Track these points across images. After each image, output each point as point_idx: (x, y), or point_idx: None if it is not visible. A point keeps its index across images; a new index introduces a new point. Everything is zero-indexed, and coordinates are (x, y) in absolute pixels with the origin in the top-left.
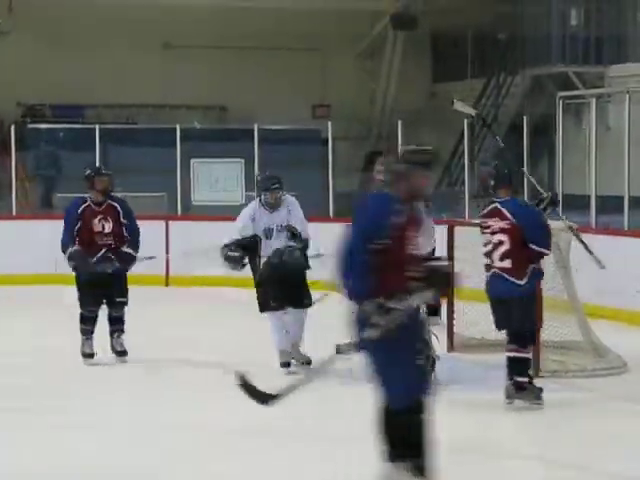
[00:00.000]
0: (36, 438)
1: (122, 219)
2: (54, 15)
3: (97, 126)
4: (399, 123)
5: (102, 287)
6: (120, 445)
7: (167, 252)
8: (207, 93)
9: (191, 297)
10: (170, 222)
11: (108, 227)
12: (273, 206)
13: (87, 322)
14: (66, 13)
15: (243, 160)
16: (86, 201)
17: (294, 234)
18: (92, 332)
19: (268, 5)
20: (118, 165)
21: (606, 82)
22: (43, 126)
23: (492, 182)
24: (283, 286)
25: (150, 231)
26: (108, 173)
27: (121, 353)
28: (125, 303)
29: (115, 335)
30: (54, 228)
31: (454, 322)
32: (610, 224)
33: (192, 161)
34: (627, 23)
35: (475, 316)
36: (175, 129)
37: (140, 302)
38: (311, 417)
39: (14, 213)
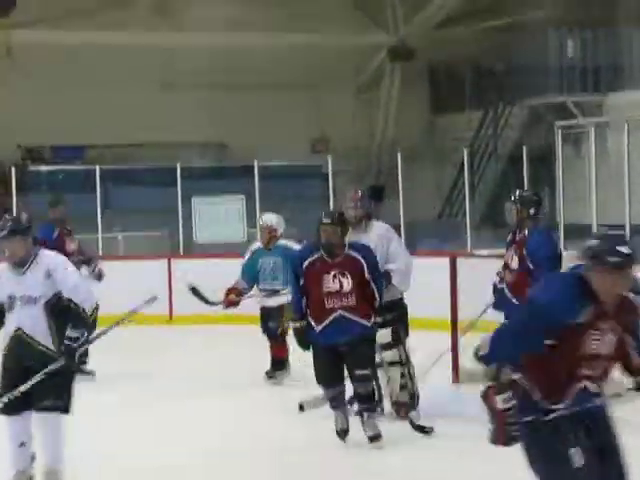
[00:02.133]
0: None
1: None
2: (52, 57)
3: (97, 167)
4: (398, 155)
5: None
6: None
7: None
8: (206, 131)
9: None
10: (172, 260)
11: None
12: None
13: None
14: (65, 55)
15: (244, 197)
16: None
17: None
18: None
19: (266, 42)
20: (119, 205)
21: (604, 110)
22: (44, 168)
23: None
24: None
25: (152, 270)
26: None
27: None
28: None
29: None
30: None
31: (459, 354)
32: None
33: (193, 199)
34: (623, 52)
35: None
36: (175, 168)
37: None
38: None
39: None
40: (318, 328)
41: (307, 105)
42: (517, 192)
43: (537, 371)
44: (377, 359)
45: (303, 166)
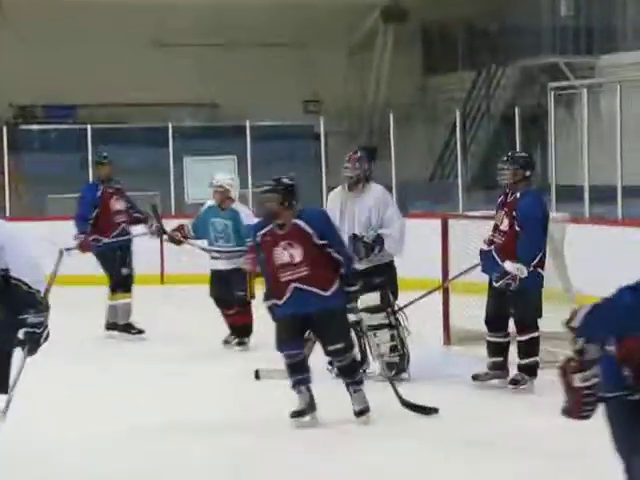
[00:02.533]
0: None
1: None
2: (44, 15)
3: (89, 126)
4: (391, 116)
5: None
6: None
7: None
8: (198, 90)
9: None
10: (164, 221)
11: None
12: None
13: None
14: (56, 13)
15: (236, 157)
16: None
17: None
18: None
19: (258, 1)
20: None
21: (597, 72)
22: (35, 127)
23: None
24: None
25: (144, 230)
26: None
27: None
28: None
29: None
30: (49, 228)
31: (450, 315)
32: (604, 214)
33: (185, 159)
34: (617, 13)
35: (472, 309)
36: (167, 127)
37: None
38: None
39: (8, 214)
40: (280, 303)
41: (299, 65)
42: (510, 153)
43: (632, 351)
44: (361, 322)
45: (295, 126)
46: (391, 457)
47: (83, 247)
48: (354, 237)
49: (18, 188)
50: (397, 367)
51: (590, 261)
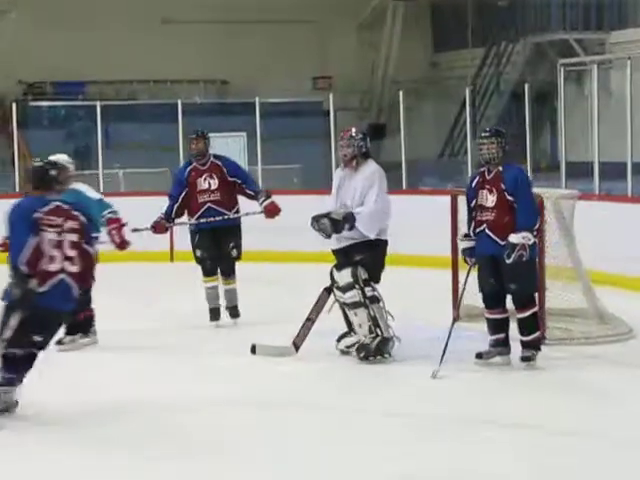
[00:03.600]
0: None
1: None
2: None
3: (98, 103)
4: (400, 93)
5: None
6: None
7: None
8: (208, 67)
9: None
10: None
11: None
12: None
13: None
14: None
15: (245, 134)
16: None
17: None
18: None
19: None
20: (119, 141)
21: (607, 48)
22: (44, 104)
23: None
24: None
25: (153, 207)
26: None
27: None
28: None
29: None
30: None
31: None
32: (613, 190)
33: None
34: None
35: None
36: (176, 104)
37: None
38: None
39: (17, 190)
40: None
41: (309, 42)
42: (490, 128)
43: None
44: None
45: (304, 103)
46: (391, 437)
47: (155, 228)
48: (325, 214)
49: (27, 164)
50: (365, 350)
51: (600, 237)
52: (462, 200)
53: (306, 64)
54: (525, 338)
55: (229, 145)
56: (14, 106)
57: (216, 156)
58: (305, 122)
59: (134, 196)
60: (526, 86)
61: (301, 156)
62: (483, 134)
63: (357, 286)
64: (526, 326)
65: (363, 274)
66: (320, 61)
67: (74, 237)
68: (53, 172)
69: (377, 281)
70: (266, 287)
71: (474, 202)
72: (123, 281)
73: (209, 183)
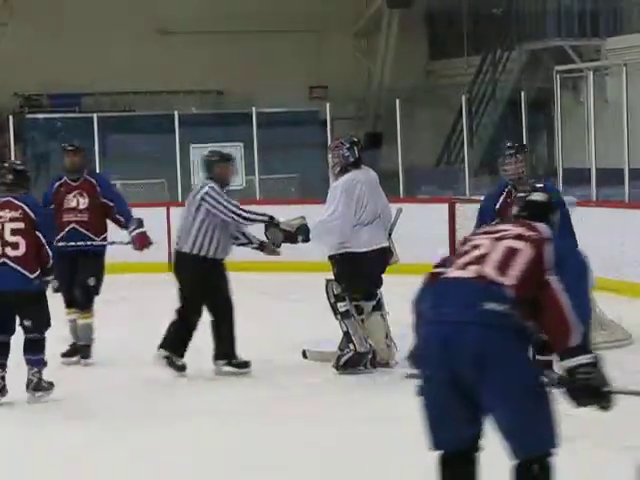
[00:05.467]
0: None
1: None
2: (48, 4)
3: (95, 115)
4: (397, 102)
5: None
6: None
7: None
8: (204, 78)
9: None
10: (172, 208)
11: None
12: None
13: None
14: (60, 2)
15: (242, 144)
16: None
17: None
18: None
19: None
20: (117, 153)
21: (603, 55)
22: (41, 116)
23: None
24: None
25: (151, 218)
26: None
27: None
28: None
29: None
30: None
31: None
32: (611, 197)
33: (191, 146)
34: None
35: None
36: (173, 115)
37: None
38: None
39: None
40: None
41: (305, 51)
42: (514, 144)
43: None
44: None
45: (301, 112)
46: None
47: None
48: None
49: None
50: (338, 362)
51: (598, 244)
52: (459, 208)
53: (302, 73)
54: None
55: None
56: (11, 119)
57: (91, 173)
58: (302, 131)
59: (131, 207)
60: (522, 93)
61: (298, 165)
62: (509, 151)
63: (329, 301)
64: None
65: (335, 289)
66: (316, 70)
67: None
68: (10, 176)
69: (365, 294)
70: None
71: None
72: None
73: (78, 201)
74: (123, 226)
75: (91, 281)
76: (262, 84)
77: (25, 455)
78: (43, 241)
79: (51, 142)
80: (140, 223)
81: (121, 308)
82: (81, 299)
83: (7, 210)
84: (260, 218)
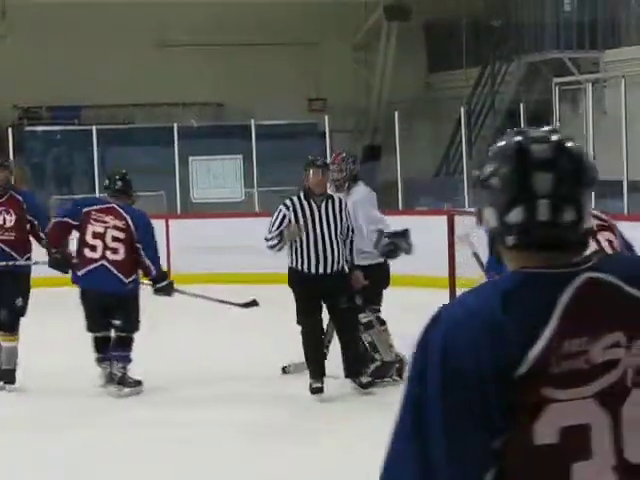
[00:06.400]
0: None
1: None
2: (47, 17)
3: (94, 127)
4: (396, 114)
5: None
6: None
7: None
8: (203, 90)
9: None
10: (170, 220)
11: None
12: None
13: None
14: (59, 15)
15: (241, 156)
16: None
17: None
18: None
19: (261, 0)
20: (116, 165)
21: (601, 67)
22: (40, 128)
23: None
24: None
25: None
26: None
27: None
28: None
29: None
30: None
31: None
32: (609, 209)
33: (190, 159)
34: (620, 7)
35: None
36: (172, 127)
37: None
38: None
39: None
40: None
41: (303, 64)
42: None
43: None
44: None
45: (300, 125)
46: None
47: None
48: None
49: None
50: (356, 375)
51: None
52: (458, 220)
53: (301, 86)
54: None
55: (225, 168)
56: (10, 131)
57: (17, 190)
58: (301, 144)
59: None
60: (521, 105)
61: (297, 178)
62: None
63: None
64: None
65: (358, 300)
66: (315, 83)
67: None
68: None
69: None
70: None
71: None
72: None
73: (4, 219)
74: (45, 245)
75: (19, 302)
76: (261, 96)
77: None
78: (142, 254)
79: (50, 154)
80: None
81: None
82: (8, 321)
83: (112, 217)
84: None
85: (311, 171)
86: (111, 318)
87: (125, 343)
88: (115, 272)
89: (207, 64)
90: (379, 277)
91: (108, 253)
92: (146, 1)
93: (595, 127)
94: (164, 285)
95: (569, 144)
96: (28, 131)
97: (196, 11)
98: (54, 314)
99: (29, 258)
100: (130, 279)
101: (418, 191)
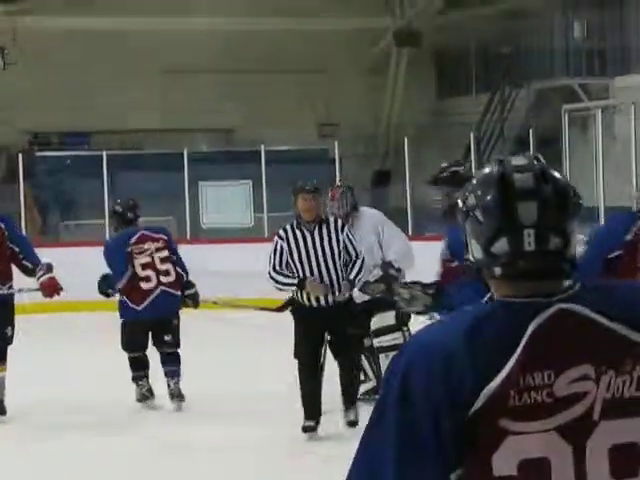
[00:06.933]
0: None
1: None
2: (58, 44)
3: (104, 152)
4: (405, 140)
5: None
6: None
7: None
8: (213, 116)
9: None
10: (179, 245)
11: None
12: None
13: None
14: (70, 41)
15: (251, 182)
16: None
17: None
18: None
19: (272, 27)
20: (126, 191)
21: (611, 93)
22: (50, 154)
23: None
24: None
25: None
26: None
27: None
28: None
29: None
30: (63, 256)
31: None
32: None
33: (200, 184)
34: (630, 34)
35: None
36: (182, 153)
37: None
38: None
39: None
40: None
41: (313, 90)
42: None
43: None
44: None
45: (310, 150)
46: None
47: None
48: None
49: (33, 214)
50: None
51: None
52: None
53: (311, 112)
54: None
55: (235, 193)
56: (20, 156)
57: None
58: (311, 170)
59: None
60: (530, 131)
61: None
62: None
63: (404, 329)
64: None
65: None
66: (325, 108)
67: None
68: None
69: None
70: None
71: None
72: None
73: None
74: (30, 272)
75: (9, 331)
76: (271, 122)
77: None
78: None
79: (60, 180)
80: (49, 268)
81: None
82: None
83: (150, 242)
84: None
85: (299, 197)
86: (159, 336)
87: (177, 358)
88: (173, 292)
89: (217, 90)
90: None
91: (162, 278)
92: (156, 28)
93: (605, 153)
94: (193, 293)
95: (551, 172)
96: (38, 156)
97: (206, 38)
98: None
99: (11, 287)
100: (179, 293)
101: (428, 217)
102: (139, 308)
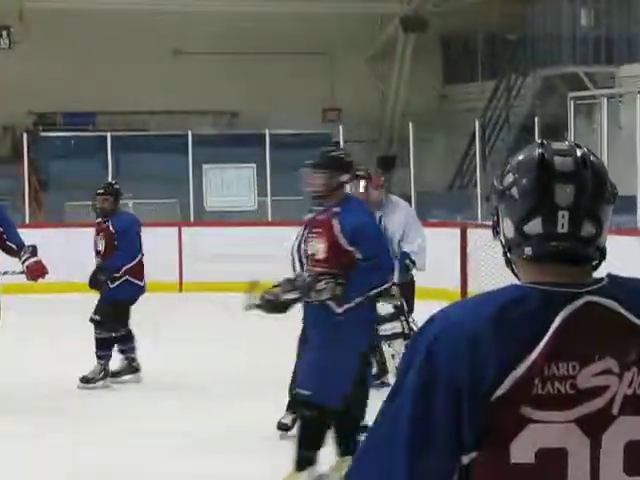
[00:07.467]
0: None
1: None
2: (64, 23)
3: (109, 133)
4: (410, 125)
5: None
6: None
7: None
8: (218, 98)
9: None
10: (183, 228)
11: None
12: None
13: None
14: (76, 21)
15: (255, 165)
16: None
17: None
18: None
19: (278, 10)
20: (130, 172)
21: (617, 82)
22: (55, 134)
23: None
24: None
25: (163, 238)
26: None
27: None
28: None
29: None
30: (67, 236)
31: None
32: (622, 224)
33: (204, 167)
34: (637, 23)
35: None
36: (187, 135)
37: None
38: None
39: (27, 222)
40: None
41: (319, 73)
42: None
43: None
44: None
45: (314, 135)
46: None
47: None
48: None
49: (37, 195)
50: None
51: (609, 271)
52: (471, 232)
53: (316, 96)
54: None
55: (239, 176)
56: (25, 137)
57: None
58: (315, 154)
59: (144, 226)
60: (536, 119)
61: None
62: None
63: (402, 318)
64: None
65: (405, 305)
66: (330, 93)
67: None
68: None
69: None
70: None
71: None
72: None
73: None
74: (14, 253)
75: None
76: (276, 106)
77: None
78: None
79: (65, 160)
80: (34, 251)
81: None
82: None
83: None
84: None
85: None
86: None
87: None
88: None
89: (223, 72)
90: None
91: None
92: (163, 9)
93: (610, 142)
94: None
95: (592, 158)
96: (43, 137)
97: (213, 20)
98: None
99: None
100: None
101: (431, 203)
102: (142, 283)
